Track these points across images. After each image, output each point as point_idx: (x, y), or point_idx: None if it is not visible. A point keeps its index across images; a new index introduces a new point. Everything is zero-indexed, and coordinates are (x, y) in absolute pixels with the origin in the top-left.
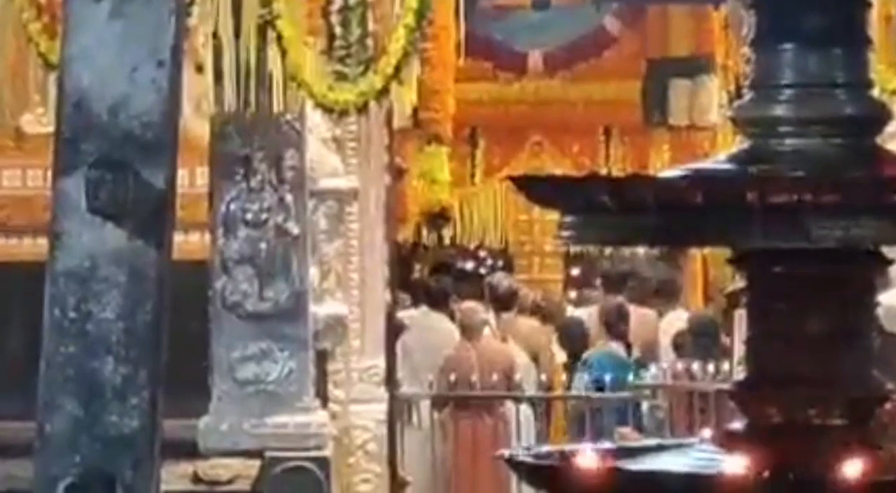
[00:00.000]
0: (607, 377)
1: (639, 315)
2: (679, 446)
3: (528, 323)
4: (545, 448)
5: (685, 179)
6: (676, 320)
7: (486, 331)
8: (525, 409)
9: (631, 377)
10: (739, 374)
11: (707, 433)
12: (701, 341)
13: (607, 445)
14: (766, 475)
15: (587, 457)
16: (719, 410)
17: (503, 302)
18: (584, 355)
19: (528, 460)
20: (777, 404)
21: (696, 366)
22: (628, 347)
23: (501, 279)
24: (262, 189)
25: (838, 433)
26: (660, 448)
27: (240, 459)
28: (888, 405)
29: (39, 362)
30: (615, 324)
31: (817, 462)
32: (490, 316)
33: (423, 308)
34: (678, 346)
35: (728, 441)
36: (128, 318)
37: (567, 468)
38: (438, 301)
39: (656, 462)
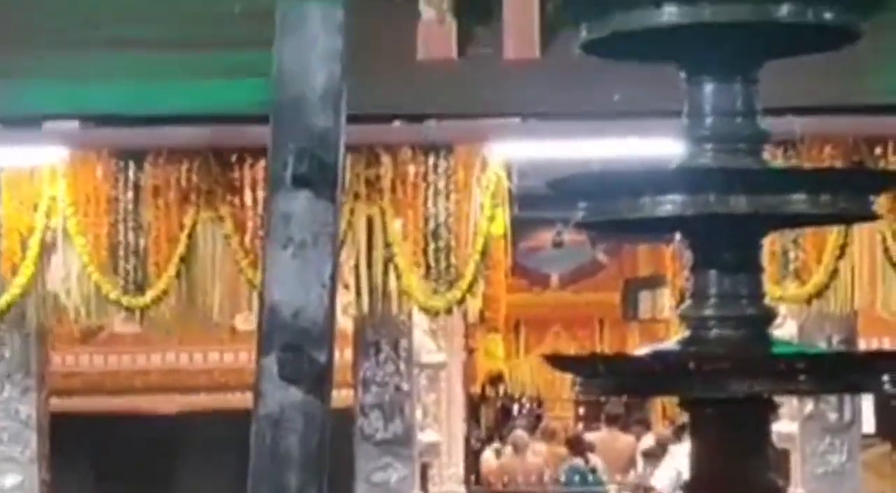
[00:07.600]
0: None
1: (623, 439)
2: None
3: (548, 446)
4: None
5: (650, 355)
6: (647, 440)
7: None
8: None
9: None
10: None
11: None
12: (662, 452)
13: None
14: None
15: None
16: None
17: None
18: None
19: None
20: None
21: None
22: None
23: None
24: (386, 363)
25: None
26: None
27: None
28: None
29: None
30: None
31: None
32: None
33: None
34: (647, 456)
35: None
36: (304, 444)
37: None
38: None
39: None
